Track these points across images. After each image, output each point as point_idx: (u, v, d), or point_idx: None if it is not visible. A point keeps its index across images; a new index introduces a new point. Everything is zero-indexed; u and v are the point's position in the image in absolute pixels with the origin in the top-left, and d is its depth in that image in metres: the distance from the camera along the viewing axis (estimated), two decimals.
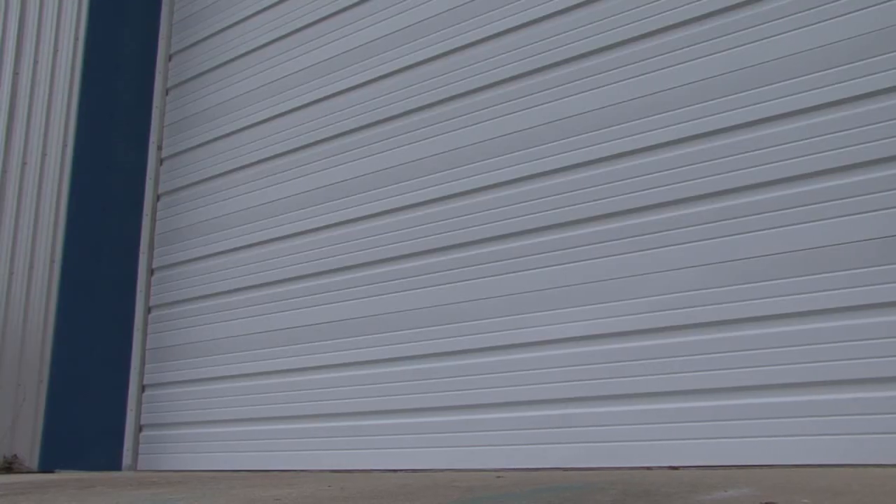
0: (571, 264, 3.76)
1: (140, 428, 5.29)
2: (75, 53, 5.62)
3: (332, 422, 4.42)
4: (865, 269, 3.06)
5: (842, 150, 3.18)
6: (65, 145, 5.49)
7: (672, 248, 3.51)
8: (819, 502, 1.96)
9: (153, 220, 5.53)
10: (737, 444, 3.21)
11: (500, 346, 3.91)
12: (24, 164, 5.62)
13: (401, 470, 4.00)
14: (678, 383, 3.38)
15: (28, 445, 5.10)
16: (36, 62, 5.77)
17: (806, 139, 3.26)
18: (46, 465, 5.02)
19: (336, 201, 4.68)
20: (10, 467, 5.05)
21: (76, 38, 5.63)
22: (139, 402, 5.29)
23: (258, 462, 4.66)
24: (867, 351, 3.00)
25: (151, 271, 5.50)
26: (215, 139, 5.36)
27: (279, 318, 4.79)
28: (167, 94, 5.72)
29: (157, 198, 5.58)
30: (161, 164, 5.62)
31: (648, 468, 3.25)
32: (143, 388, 5.34)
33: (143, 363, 5.36)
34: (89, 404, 5.19)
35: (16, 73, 5.80)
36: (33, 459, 5.06)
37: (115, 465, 5.17)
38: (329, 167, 4.76)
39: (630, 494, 2.26)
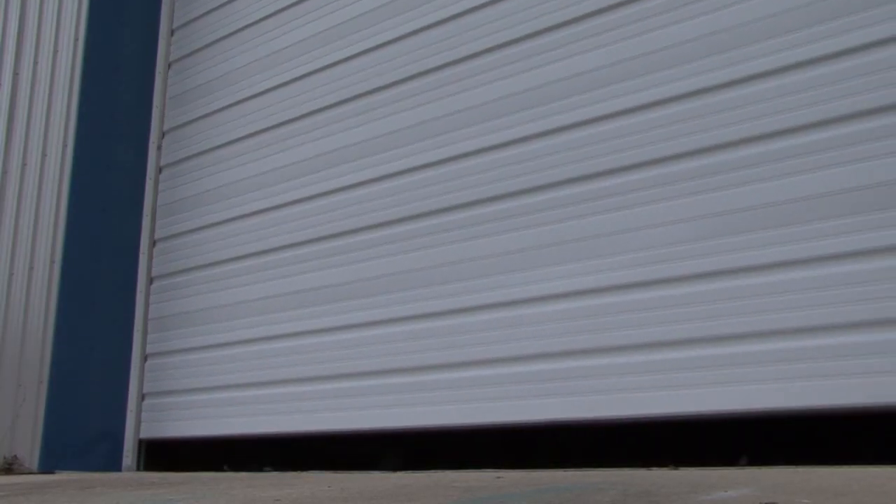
0: (560, 224, 3.83)
1: (143, 396, 5.32)
2: (75, 53, 5.62)
3: (332, 383, 4.47)
4: (853, 219, 3.12)
5: (815, 106, 3.25)
6: (65, 146, 5.49)
7: (659, 204, 3.57)
8: (819, 503, 1.96)
9: (156, 191, 5.56)
10: (729, 390, 3.28)
11: (493, 305, 3.97)
12: (24, 164, 5.63)
13: (401, 470, 4.01)
14: (670, 334, 3.45)
15: (28, 446, 5.10)
16: (36, 62, 5.77)
17: (792, 94, 3.32)
18: (46, 466, 5.02)
19: (333, 168, 4.73)
20: (10, 468, 5.05)
21: (76, 38, 5.63)
22: (141, 372, 5.33)
23: (259, 425, 4.73)
24: (858, 296, 3.06)
25: (154, 242, 5.54)
26: (215, 111, 5.41)
27: (279, 284, 4.84)
28: (167, 96, 5.73)
29: (160, 169, 5.62)
30: (160, 168, 5.63)
31: (648, 468, 3.25)
32: (145, 357, 5.36)
33: (145, 333, 5.37)
34: (89, 405, 5.19)
35: (16, 74, 5.80)
36: (33, 460, 5.06)
37: (115, 465, 5.17)
38: (327, 135, 4.81)
39: (630, 494, 2.26)
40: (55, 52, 5.69)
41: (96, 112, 5.55)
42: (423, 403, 4.11)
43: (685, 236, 3.49)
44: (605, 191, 3.75)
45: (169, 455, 5.30)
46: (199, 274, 5.29)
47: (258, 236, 5.02)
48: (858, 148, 3.15)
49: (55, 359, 5.17)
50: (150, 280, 5.50)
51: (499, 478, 3.04)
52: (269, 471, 4.96)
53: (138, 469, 5.23)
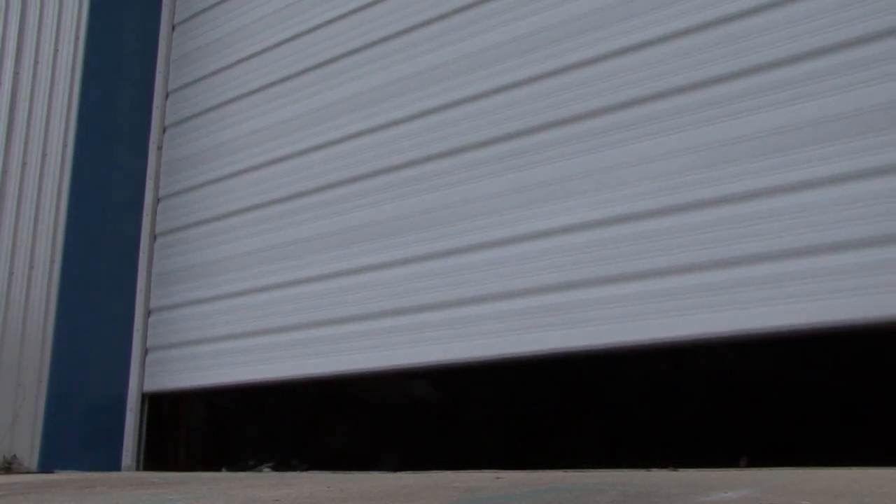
0: (560, 162, 3.90)
1: (146, 351, 5.36)
2: (76, 53, 5.62)
3: (337, 327, 4.52)
4: (847, 143, 3.19)
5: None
6: (65, 145, 5.49)
7: (658, 138, 3.64)
8: None
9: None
10: (736, 313, 3.34)
11: (495, 242, 4.04)
12: (24, 164, 5.63)
13: (402, 471, 4.01)
14: (673, 261, 3.51)
15: (28, 446, 5.10)
16: (37, 62, 5.78)
17: (783, 27, 3.40)
18: (46, 466, 5.02)
19: (335, 120, 4.79)
20: (9, 468, 5.05)
21: (77, 38, 5.63)
22: (145, 327, 5.37)
23: (264, 372, 4.77)
24: (859, 216, 3.13)
25: (158, 199, 5.57)
26: (217, 70, 5.46)
27: (281, 234, 4.90)
28: (167, 97, 5.73)
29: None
30: (161, 163, 5.64)
31: (648, 469, 3.25)
32: (149, 312, 5.40)
33: (148, 289, 5.41)
34: (89, 404, 5.19)
35: (16, 74, 5.81)
36: (33, 460, 5.06)
37: (115, 465, 5.16)
38: (329, 88, 4.86)
39: (629, 495, 2.26)
40: (56, 52, 5.69)
41: (96, 112, 5.55)
42: (433, 341, 4.15)
43: (684, 168, 3.55)
44: (603, 128, 3.81)
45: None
46: (192, 231, 5.34)
47: (255, 191, 5.07)
48: (850, 77, 3.22)
49: (55, 358, 5.17)
50: (154, 237, 5.54)
51: (498, 478, 3.04)
52: (268, 471, 4.97)
53: (138, 469, 5.23)
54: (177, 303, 5.36)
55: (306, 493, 2.88)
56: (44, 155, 5.57)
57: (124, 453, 5.18)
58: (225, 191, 5.26)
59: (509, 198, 4.04)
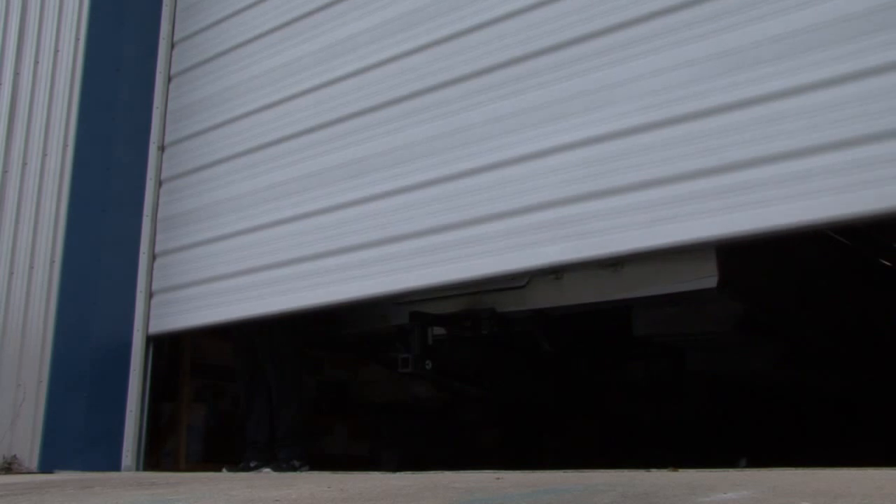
0: (555, 85, 3.94)
1: (151, 294, 5.41)
2: (76, 53, 5.62)
3: (342, 256, 4.55)
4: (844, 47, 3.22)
5: None
6: (65, 146, 5.49)
7: (652, 56, 3.67)
8: None
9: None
10: (737, 216, 3.36)
11: (495, 164, 4.07)
12: (24, 164, 5.63)
13: (402, 472, 4.01)
14: (672, 169, 3.54)
15: (28, 446, 5.10)
16: (37, 62, 5.78)
17: None
18: (46, 466, 5.02)
19: (335, 60, 4.82)
20: (9, 468, 5.06)
21: (77, 38, 5.63)
22: (150, 271, 5.42)
23: (271, 305, 4.81)
24: (858, 114, 3.15)
25: (162, 147, 5.60)
26: (225, 17, 5.50)
27: (283, 171, 4.94)
28: (168, 95, 5.74)
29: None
30: (163, 152, 5.65)
31: (648, 469, 3.25)
32: (154, 256, 5.45)
33: (153, 233, 5.46)
34: (89, 405, 5.19)
35: (17, 74, 5.81)
36: (33, 460, 5.06)
37: (115, 465, 5.17)
38: (328, 30, 4.90)
39: (629, 496, 2.26)
40: (56, 51, 5.69)
41: (97, 112, 5.55)
42: (445, 262, 4.18)
43: (680, 81, 3.57)
44: (599, 49, 3.85)
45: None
46: (195, 176, 5.39)
47: (255, 133, 5.12)
48: None
49: (55, 358, 5.17)
50: (159, 182, 5.57)
51: (498, 479, 3.04)
52: (268, 471, 4.97)
53: (138, 469, 5.23)
54: (180, 246, 5.43)
55: (306, 493, 2.88)
56: (44, 155, 5.56)
57: (124, 453, 5.17)
58: (225, 136, 5.32)
59: (508, 122, 4.07)
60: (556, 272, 4.44)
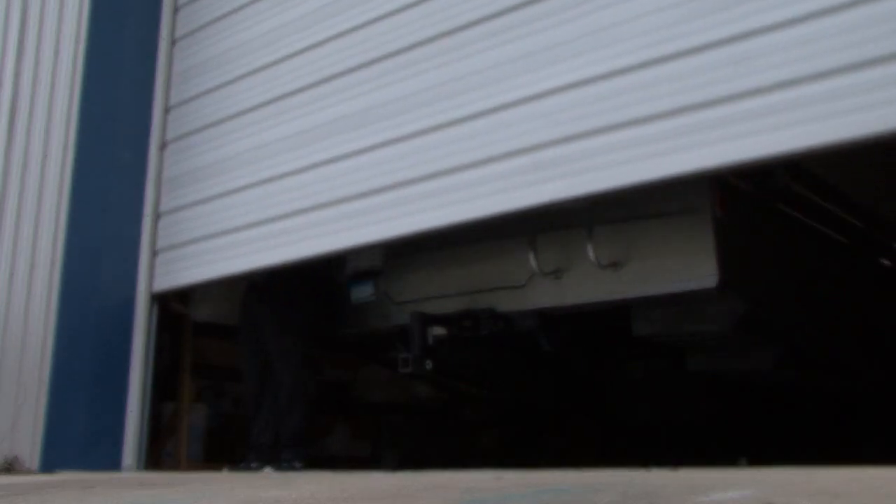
0: (552, 30, 3.99)
1: (155, 253, 5.48)
2: (77, 55, 5.62)
3: (352, 203, 4.59)
4: None
5: None
6: (66, 147, 5.49)
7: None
8: None
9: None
10: (728, 145, 3.41)
11: (489, 110, 4.12)
12: (25, 165, 5.63)
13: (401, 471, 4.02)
14: (668, 104, 3.56)
15: (28, 446, 5.10)
16: (38, 64, 5.78)
17: None
18: (47, 466, 5.02)
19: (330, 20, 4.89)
20: (10, 468, 5.06)
21: (78, 39, 5.63)
22: (154, 229, 5.49)
23: (278, 256, 4.86)
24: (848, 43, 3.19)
25: (167, 109, 5.66)
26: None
27: (284, 127, 5.00)
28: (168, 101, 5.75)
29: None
30: (164, 150, 5.66)
31: (648, 469, 3.25)
32: (158, 215, 5.51)
33: (158, 192, 5.53)
34: (90, 405, 5.19)
35: (17, 74, 5.81)
36: (34, 460, 5.06)
37: (116, 465, 5.17)
38: None
39: (629, 496, 2.26)
40: (57, 53, 5.69)
41: (98, 114, 5.54)
42: (450, 203, 4.22)
43: (675, 19, 3.61)
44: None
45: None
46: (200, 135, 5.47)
47: (261, 90, 5.18)
48: None
49: (56, 359, 5.17)
50: (165, 120, 5.64)
51: (498, 479, 3.05)
52: (270, 471, 4.97)
53: (138, 469, 5.24)
54: (183, 204, 5.49)
55: (306, 493, 2.89)
56: (45, 156, 5.56)
57: (124, 453, 5.17)
58: (229, 94, 5.40)
59: (501, 69, 4.11)
60: (556, 272, 4.43)
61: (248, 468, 5.12)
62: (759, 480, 2.51)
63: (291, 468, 4.99)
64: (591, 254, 4.22)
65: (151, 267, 5.47)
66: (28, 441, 5.12)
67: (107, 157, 5.52)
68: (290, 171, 4.93)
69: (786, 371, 5.02)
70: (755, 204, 4.49)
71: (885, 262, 5.91)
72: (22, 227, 5.58)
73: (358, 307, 5.40)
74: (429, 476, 3.42)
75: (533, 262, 4.38)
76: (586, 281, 4.40)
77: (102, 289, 5.38)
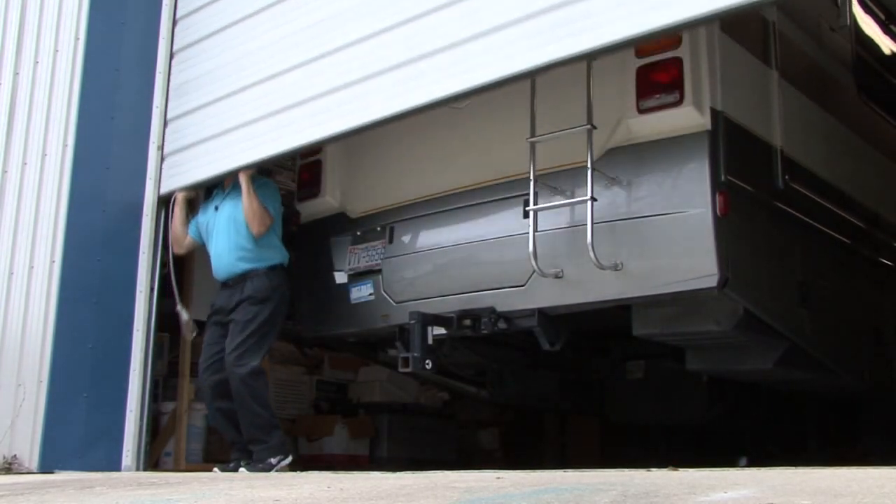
0: None
1: (162, 158, 5.64)
2: (76, 53, 5.61)
3: (358, 86, 4.66)
4: None
5: None
6: (65, 145, 5.49)
7: None
8: None
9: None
10: None
11: None
12: (24, 164, 5.61)
13: (401, 470, 4.01)
14: None
15: (28, 446, 5.09)
16: (36, 62, 5.76)
17: None
18: (46, 466, 5.02)
19: None
20: (9, 468, 5.05)
21: (76, 38, 5.63)
22: (162, 135, 5.66)
23: (279, 146, 5.01)
24: None
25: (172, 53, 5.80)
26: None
27: (286, 26, 5.09)
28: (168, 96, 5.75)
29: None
30: (162, 160, 5.66)
31: (648, 469, 3.25)
32: (165, 122, 5.66)
33: (165, 100, 5.70)
34: (89, 405, 5.19)
35: (16, 73, 5.79)
36: (33, 460, 5.06)
37: (115, 465, 5.16)
38: None
39: (629, 496, 2.26)
40: (56, 51, 5.68)
41: (96, 112, 5.54)
42: (455, 75, 4.29)
43: None
44: None
45: None
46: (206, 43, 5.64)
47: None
48: None
49: (55, 358, 5.16)
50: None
51: (499, 478, 3.05)
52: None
53: (138, 469, 5.23)
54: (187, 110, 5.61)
55: (306, 493, 2.89)
56: (44, 155, 5.52)
57: (124, 454, 5.16)
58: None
59: None
60: (556, 273, 4.41)
61: (226, 468, 5.00)
62: (759, 480, 2.51)
63: (267, 466, 4.83)
64: (591, 254, 4.21)
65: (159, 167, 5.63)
66: (27, 440, 5.11)
67: (105, 154, 5.53)
68: (282, 70, 5.04)
69: (786, 371, 5.01)
70: (755, 204, 4.48)
71: (886, 261, 5.91)
72: (21, 225, 5.54)
73: (358, 307, 5.38)
74: (429, 476, 3.42)
75: (533, 262, 4.37)
76: (586, 281, 4.39)
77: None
